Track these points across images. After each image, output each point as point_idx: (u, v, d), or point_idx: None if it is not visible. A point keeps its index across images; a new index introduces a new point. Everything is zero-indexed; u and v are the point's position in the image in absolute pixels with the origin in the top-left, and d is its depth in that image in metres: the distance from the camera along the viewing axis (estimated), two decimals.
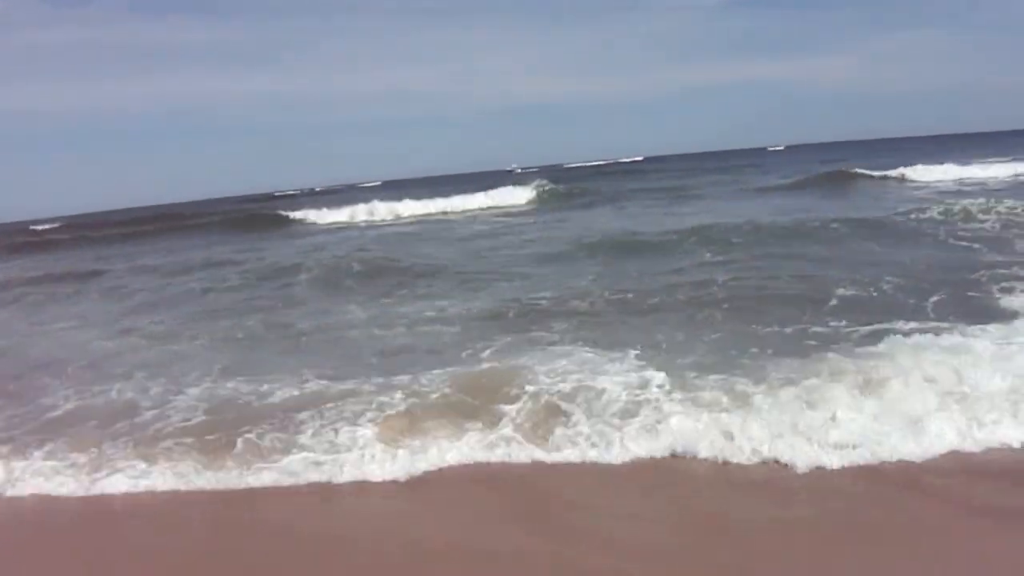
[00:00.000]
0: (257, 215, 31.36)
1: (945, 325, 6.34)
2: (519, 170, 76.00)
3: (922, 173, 23.51)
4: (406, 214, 26.92)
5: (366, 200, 29.28)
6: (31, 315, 12.23)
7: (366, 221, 26.36)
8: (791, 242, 11.52)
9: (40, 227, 43.46)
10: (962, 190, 18.46)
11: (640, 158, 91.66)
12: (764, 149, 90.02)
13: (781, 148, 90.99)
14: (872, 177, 24.12)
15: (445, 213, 26.53)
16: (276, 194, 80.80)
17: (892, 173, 23.78)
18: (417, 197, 29.40)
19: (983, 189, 18.25)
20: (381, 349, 7.41)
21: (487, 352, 6.89)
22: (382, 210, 27.49)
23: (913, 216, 12.77)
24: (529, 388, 5.57)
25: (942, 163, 24.72)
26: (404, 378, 6.11)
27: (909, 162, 25.26)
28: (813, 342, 6.31)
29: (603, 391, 5.40)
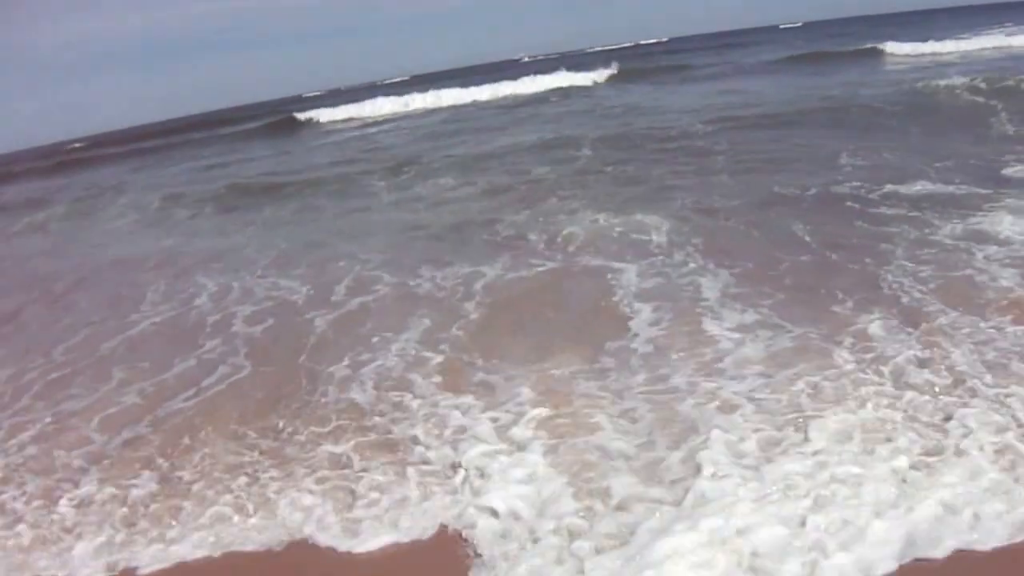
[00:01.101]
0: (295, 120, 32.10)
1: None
2: (527, 58, 75.80)
3: (901, 48, 24.89)
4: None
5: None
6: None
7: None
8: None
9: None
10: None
11: (666, 39, 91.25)
12: (776, 27, 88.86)
13: (798, 24, 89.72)
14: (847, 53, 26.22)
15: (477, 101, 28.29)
16: (305, 95, 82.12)
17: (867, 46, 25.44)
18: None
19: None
20: None
21: None
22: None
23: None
24: None
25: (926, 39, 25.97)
26: None
27: (917, 35, 26.86)
28: None
29: None
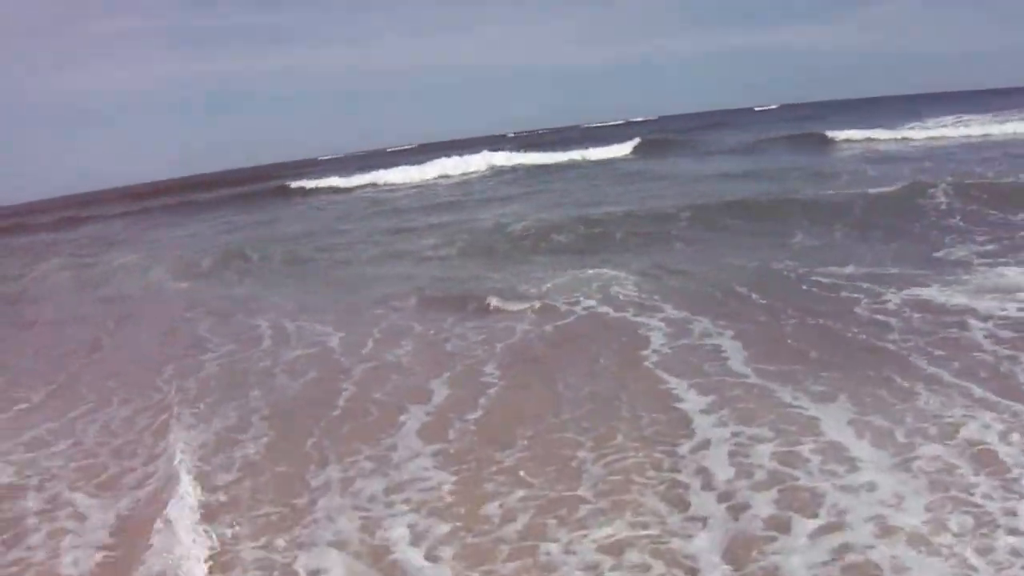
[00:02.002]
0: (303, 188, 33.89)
1: None
2: (511, 134, 79.25)
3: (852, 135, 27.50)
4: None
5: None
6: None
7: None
8: None
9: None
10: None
11: (655, 117, 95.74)
12: (751, 109, 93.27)
13: (774, 107, 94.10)
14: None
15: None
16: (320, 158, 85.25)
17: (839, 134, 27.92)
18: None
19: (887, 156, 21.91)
20: None
21: None
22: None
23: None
24: None
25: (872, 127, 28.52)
26: None
27: (869, 123, 29.66)
28: None
29: None
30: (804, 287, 8.11)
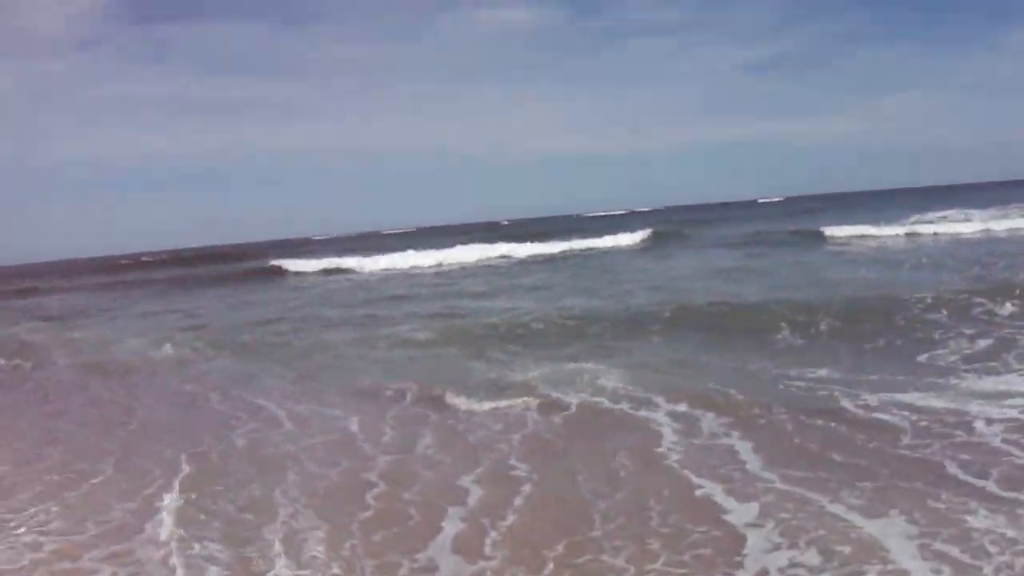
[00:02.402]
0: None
1: None
2: (505, 222, 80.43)
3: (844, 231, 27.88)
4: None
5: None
6: None
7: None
8: None
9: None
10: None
11: (661, 207, 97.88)
12: (755, 201, 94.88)
13: (779, 199, 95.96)
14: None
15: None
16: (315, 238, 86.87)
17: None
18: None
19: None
20: None
21: None
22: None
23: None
24: None
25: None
26: None
27: (872, 217, 30.25)
28: None
29: None
30: (786, 387, 8.06)
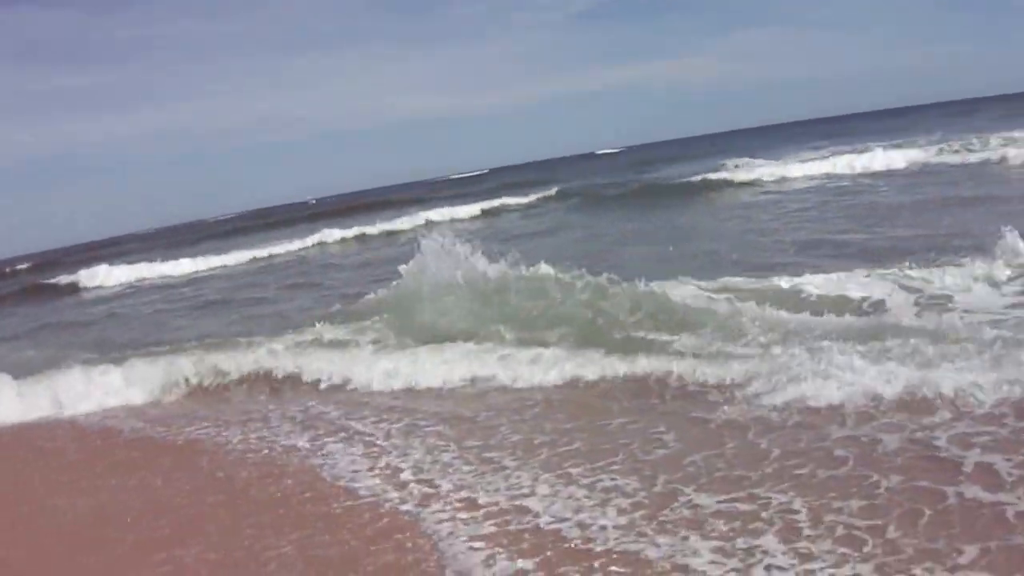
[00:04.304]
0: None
1: None
2: (313, 200, 75.21)
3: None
4: None
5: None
6: None
7: None
8: None
9: None
10: None
11: (486, 171, 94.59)
12: (592, 154, 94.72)
13: (617, 150, 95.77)
14: None
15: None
16: None
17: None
18: None
19: None
20: None
21: None
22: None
23: None
24: None
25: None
26: None
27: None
28: None
29: None
30: None
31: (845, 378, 5.18)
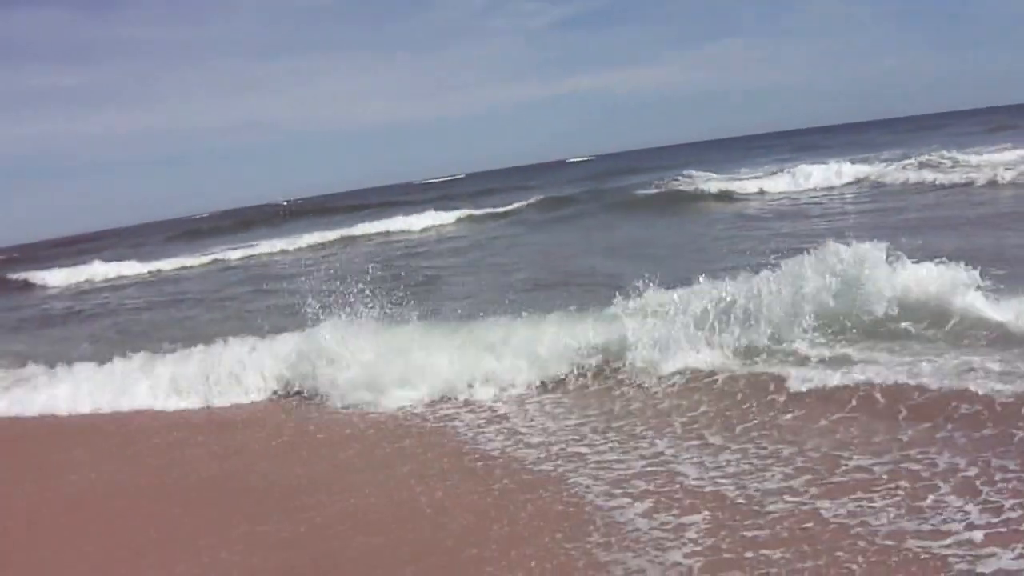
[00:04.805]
0: None
1: None
2: (285, 202, 74.78)
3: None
4: None
5: None
6: None
7: None
8: None
9: None
10: None
11: (462, 175, 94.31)
12: (564, 161, 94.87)
13: (588, 158, 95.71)
14: None
15: None
16: None
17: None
18: None
19: None
20: None
21: None
22: None
23: None
24: None
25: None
26: None
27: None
28: None
29: None
30: None
31: None
